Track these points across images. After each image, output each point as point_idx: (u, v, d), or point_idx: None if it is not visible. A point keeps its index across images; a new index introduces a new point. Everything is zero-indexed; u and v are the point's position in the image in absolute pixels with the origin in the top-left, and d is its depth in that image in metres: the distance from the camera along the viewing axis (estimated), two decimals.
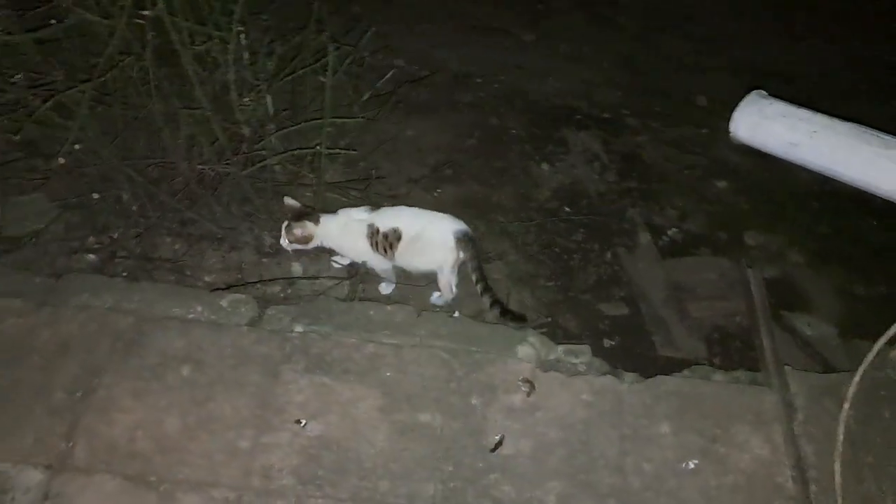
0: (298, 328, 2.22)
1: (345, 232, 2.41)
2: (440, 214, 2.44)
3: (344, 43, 2.74)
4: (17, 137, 1.96)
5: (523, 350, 2.25)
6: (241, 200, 2.57)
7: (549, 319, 2.57)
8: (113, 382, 2.01)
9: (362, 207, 2.46)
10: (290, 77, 2.54)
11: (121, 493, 1.80)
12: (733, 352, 2.55)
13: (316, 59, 2.56)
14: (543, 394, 2.11)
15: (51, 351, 2.05)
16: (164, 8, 1.94)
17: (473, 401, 2.10)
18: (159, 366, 2.06)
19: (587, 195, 3.21)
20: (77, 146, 2.03)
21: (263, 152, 2.39)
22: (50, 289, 2.20)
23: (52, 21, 2.02)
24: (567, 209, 3.12)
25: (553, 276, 2.79)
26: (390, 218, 2.39)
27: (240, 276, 2.43)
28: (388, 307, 2.35)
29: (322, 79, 2.40)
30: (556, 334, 2.50)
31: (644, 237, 3.03)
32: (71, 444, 1.87)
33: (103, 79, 2.05)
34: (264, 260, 2.52)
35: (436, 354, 2.20)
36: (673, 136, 3.67)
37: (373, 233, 2.37)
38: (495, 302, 2.35)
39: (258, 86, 2.30)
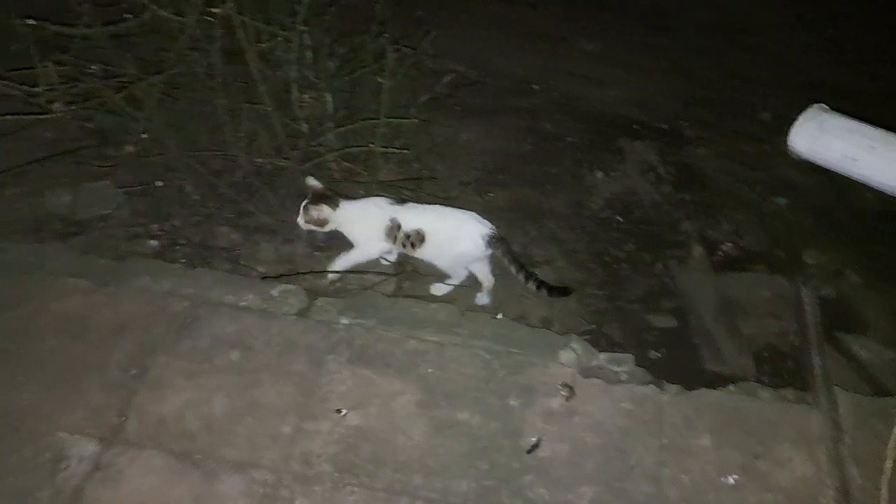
0: (344, 320, 2.27)
1: (364, 220, 2.44)
2: (465, 214, 2.45)
3: (404, 45, 2.79)
4: (91, 125, 2.07)
5: (565, 355, 2.24)
6: (297, 195, 2.64)
7: (594, 326, 2.55)
8: (166, 362, 2.09)
9: (385, 198, 2.49)
10: (349, 77, 2.60)
11: (167, 469, 1.87)
12: (783, 371, 2.48)
13: (375, 61, 2.62)
14: (583, 399, 2.10)
15: (110, 329, 2.15)
16: (233, 6, 2.02)
17: (512, 402, 2.10)
18: (210, 349, 2.14)
19: (641, 205, 3.18)
20: (145, 135, 2.12)
21: (320, 149, 2.45)
22: (113, 271, 2.30)
23: (128, 16, 2.13)
24: (619, 218, 3.10)
25: (601, 285, 2.78)
26: (415, 217, 2.41)
27: (291, 267, 2.49)
28: (432, 305, 2.39)
29: (380, 80, 2.46)
30: (600, 342, 2.48)
31: (697, 250, 2.98)
32: (123, 418, 1.96)
33: (172, 72, 2.14)
34: (316, 253, 2.58)
35: (477, 354, 2.22)
36: (733, 150, 3.60)
37: (394, 227, 2.39)
38: (541, 284, 2.40)
39: (318, 84, 2.37)
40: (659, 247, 2.97)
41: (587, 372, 2.21)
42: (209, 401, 2.02)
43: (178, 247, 2.41)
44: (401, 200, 2.49)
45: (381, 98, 2.39)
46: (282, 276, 2.40)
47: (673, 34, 4.62)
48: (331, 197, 2.41)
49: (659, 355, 2.53)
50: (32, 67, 1.93)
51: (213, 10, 2.00)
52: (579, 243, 2.94)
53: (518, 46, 4.24)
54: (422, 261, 2.49)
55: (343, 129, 2.52)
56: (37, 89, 1.90)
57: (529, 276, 2.41)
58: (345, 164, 2.66)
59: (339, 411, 2.03)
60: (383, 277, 2.50)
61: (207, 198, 2.54)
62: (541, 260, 2.80)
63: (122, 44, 2.22)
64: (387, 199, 2.48)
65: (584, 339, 2.37)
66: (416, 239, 2.40)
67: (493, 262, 2.49)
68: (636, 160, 3.45)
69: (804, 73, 4.25)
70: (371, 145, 2.41)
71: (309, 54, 2.40)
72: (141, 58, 2.30)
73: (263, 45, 2.23)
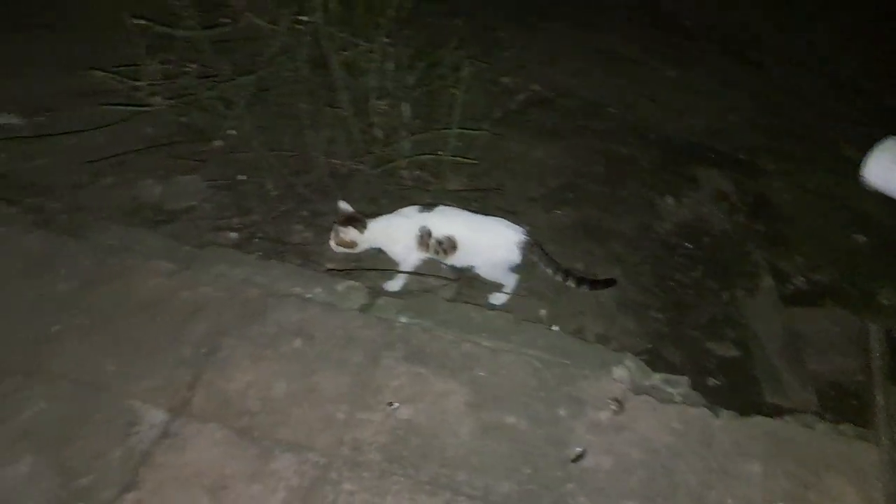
0: (403, 319, 2.35)
1: (394, 233, 2.50)
2: (497, 221, 2.49)
3: (481, 61, 2.88)
4: (184, 119, 2.24)
5: (618, 371, 2.25)
6: (368, 200, 2.76)
7: (651, 346, 2.54)
8: (234, 344, 2.22)
9: (413, 207, 2.52)
10: (426, 88, 2.71)
11: (227, 443, 1.98)
12: (846, 409, 2.40)
13: (452, 74, 2.71)
14: (632, 415, 2.10)
15: (186, 310, 2.31)
16: (322, 17, 2.16)
17: (560, 411, 2.13)
18: (276, 336, 2.26)
19: (711, 233, 3.15)
20: (232, 132, 2.28)
21: (393, 154, 2.56)
22: (194, 257, 2.47)
23: (226, 21, 2.30)
24: (688, 245, 3.08)
25: (662, 309, 2.76)
26: (445, 224, 2.46)
27: (357, 266, 2.60)
28: (490, 312, 2.44)
29: (455, 91, 2.55)
30: (657, 364, 2.47)
31: (767, 282, 2.92)
32: (192, 393, 2.09)
33: (261, 75, 2.30)
34: (381, 255, 2.67)
35: (529, 362, 2.26)
36: (812, 183, 3.52)
37: (424, 235, 2.45)
38: (581, 280, 2.46)
39: (396, 94, 2.48)
40: (727, 275, 2.93)
41: (639, 390, 2.21)
42: (270, 383, 2.13)
43: (255, 240, 2.55)
44: (429, 207, 2.52)
45: (455, 110, 2.47)
46: (347, 270, 2.50)
47: (756, 65, 4.56)
48: (359, 220, 2.48)
49: (717, 383, 2.49)
50: (138, 64, 2.11)
51: (303, 18, 2.14)
52: (644, 266, 2.93)
53: (596, 70, 4.27)
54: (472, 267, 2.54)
55: (416, 137, 2.62)
56: (140, 83, 2.08)
57: (568, 274, 2.48)
58: (415, 171, 2.75)
59: (391, 404, 2.10)
60: (444, 282, 2.57)
61: (285, 196, 2.69)
62: (602, 278, 2.80)
63: (219, 47, 2.40)
64: (415, 208, 2.52)
65: (641, 359, 2.37)
66: (448, 246, 2.45)
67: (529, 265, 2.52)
68: (710, 188, 3.42)
69: (893, 110, 4.11)
70: (440, 153, 2.50)
71: (389, 65, 2.51)
72: (235, 61, 2.47)
73: (347, 54, 2.36)
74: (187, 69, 2.20)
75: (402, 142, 2.53)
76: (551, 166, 3.38)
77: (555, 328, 2.48)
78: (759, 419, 2.12)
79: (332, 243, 2.49)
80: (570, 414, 2.12)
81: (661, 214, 3.23)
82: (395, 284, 2.54)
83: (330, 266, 2.59)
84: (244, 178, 2.59)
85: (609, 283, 2.54)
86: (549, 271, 2.49)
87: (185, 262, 2.45)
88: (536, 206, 3.11)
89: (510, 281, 2.57)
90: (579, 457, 2.01)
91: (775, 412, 2.30)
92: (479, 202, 2.92)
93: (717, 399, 2.30)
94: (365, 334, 2.29)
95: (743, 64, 4.54)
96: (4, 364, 2.11)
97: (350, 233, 2.46)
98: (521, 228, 2.47)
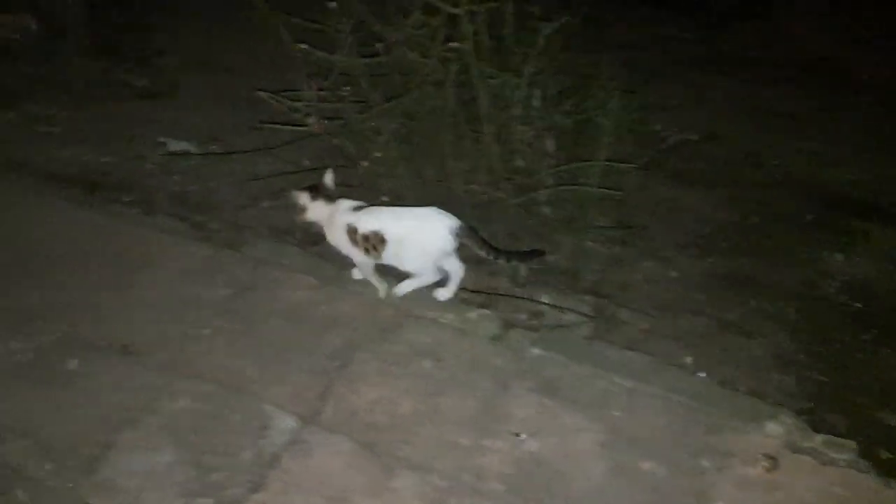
0: (535, 351, 2.28)
1: (329, 222, 2.45)
2: (426, 210, 2.37)
3: (632, 102, 2.81)
4: (336, 143, 2.36)
5: (772, 427, 2.04)
6: (507, 234, 2.74)
7: (811, 406, 2.28)
8: (366, 359, 2.24)
9: (352, 203, 2.46)
10: (572, 122, 2.68)
11: (352, 455, 1.98)
12: None
13: (601, 111, 2.67)
14: (787, 474, 1.88)
15: (324, 322, 2.37)
16: (471, 46, 2.22)
17: (704, 462, 1.94)
18: (406, 355, 2.26)
19: (888, 296, 2.82)
20: (378, 154, 2.36)
21: (534, 185, 2.54)
22: (337, 275, 2.55)
23: (380, 51, 2.42)
24: (858, 304, 2.78)
25: (826, 370, 2.48)
26: (371, 220, 2.38)
27: (491, 296, 2.56)
28: (629, 353, 2.31)
29: (602, 127, 2.51)
30: (817, 425, 2.20)
31: None
32: (322, 403, 2.12)
33: (408, 100, 2.39)
34: (517, 289, 2.63)
35: (671, 408, 2.10)
36: None
37: (351, 231, 2.38)
38: (511, 255, 2.41)
39: (541, 124, 2.47)
40: None
41: (797, 449, 1.97)
42: (398, 400, 2.12)
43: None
44: (360, 206, 2.45)
45: (601, 146, 2.42)
46: (479, 292, 2.47)
47: None
48: (318, 190, 2.44)
49: (891, 456, 2.17)
50: (298, 90, 2.27)
51: (452, 45, 2.20)
52: (805, 323, 2.67)
53: (750, 120, 4.10)
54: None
55: (559, 169, 2.59)
56: (298, 104, 2.22)
57: (500, 253, 2.39)
58: (556, 204, 2.71)
59: (517, 435, 2.02)
60: (582, 319, 2.47)
61: None
62: (757, 333, 2.58)
63: (372, 75, 2.53)
64: (351, 203, 2.46)
65: (800, 418, 2.13)
66: (377, 241, 2.35)
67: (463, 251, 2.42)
68: (887, 247, 3.09)
69: None
70: (584, 185, 2.44)
71: (536, 96, 2.52)
72: (385, 89, 2.59)
73: (494, 83, 2.39)
74: (342, 94, 2.33)
75: (545, 173, 2.50)
76: (702, 214, 3.21)
77: (702, 374, 2.29)
78: None
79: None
80: (715, 466, 1.93)
81: (828, 271, 2.96)
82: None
83: (463, 296, 2.57)
84: (386, 198, 2.66)
85: (536, 253, 2.45)
86: (484, 254, 2.38)
87: (328, 280, 2.54)
88: (685, 253, 2.95)
89: (455, 273, 2.45)
90: None
91: None
92: (624, 244, 2.81)
93: (889, 472, 2.00)
94: (494, 362, 2.24)
95: None
96: (160, 359, 2.25)
97: (302, 198, 2.44)
98: (450, 215, 2.35)
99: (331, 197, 2.47)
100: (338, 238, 2.46)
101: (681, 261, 2.91)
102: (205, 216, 2.93)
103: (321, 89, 2.31)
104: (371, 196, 2.74)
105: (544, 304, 2.51)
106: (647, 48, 4.64)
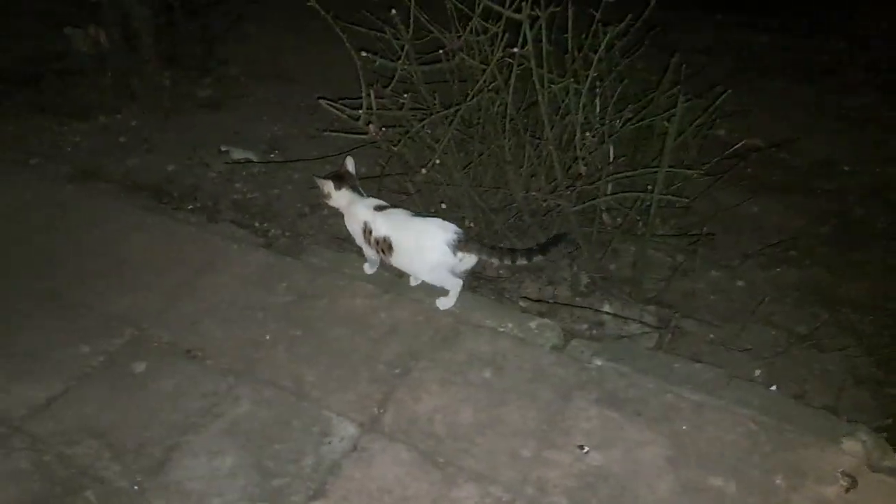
0: (598, 362, 2.22)
1: (349, 213, 2.51)
2: (429, 221, 2.37)
3: (695, 108, 2.73)
4: (395, 149, 2.36)
5: (850, 444, 1.94)
6: (567, 241, 2.69)
7: (890, 422, 2.16)
8: (425, 367, 2.23)
9: (373, 200, 2.51)
10: (634, 129, 2.62)
11: (412, 464, 1.96)
12: None
13: (664, 118, 2.60)
14: (866, 494, 1.78)
15: (384, 330, 2.37)
16: (531, 52, 2.19)
17: (777, 480, 1.86)
18: (466, 363, 2.24)
19: None
20: (437, 162, 2.35)
21: (594, 192, 2.49)
22: (394, 283, 2.55)
23: (441, 58, 2.42)
24: None
25: None
26: (383, 225, 2.41)
27: (551, 305, 2.52)
28: (696, 365, 2.24)
29: (665, 133, 2.44)
30: None
31: None
32: (382, 410, 2.11)
33: (467, 107, 2.37)
34: (577, 298, 2.58)
35: (741, 422, 2.02)
36: None
37: (366, 230, 2.45)
38: (529, 252, 2.33)
39: (602, 130, 2.42)
40: None
41: (877, 468, 1.87)
42: (458, 409, 2.09)
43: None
44: (380, 206, 2.48)
45: (664, 153, 2.35)
46: (541, 301, 2.44)
47: None
48: (342, 178, 2.50)
49: None
50: (359, 97, 2.28)
51: (513, 51, 2.18)
52: (884, 338, 2.54)
53: (823, 127, 3.93)
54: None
55: (620, 175, 2.53)
56: (358, 111, 2.23)
57: (513, 253, 2.35)
58: (617, 211, 2.65)
59: (581, 447, 1.97)
60: (645, 329, 2.40)
61: (483, 230, 2.71)
62: (830, 346, 2.47)
63: (432, 82, 2.52)
64: (374, 202, 2.50)
65: (880, 436, 2.02)
66: (385, 246, 2.40)
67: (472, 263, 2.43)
68: None
69: None
70: (647, 192, 2.38)
71: (598, 102, 2.47)
72: (445, 96, 2.58)
73: (555, 88, 2.36)
74: (401, 102, 2.33)
75: (606, 180, 2.45)
76: (771, 223, 3.10)
77: (773, 388, 2.20)
78: None
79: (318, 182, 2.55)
80: (790, 485, 1.84)
81: None
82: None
83: (523, 305, 2.54)
84: (444, 206, 2.65)
85: (557, 239, 2.39)
86: (495, 261, 2.40)
87: (386, 287, 2.54)
88: (753, 263, 2.85)
89: (454, 285, 2.41)
90: None
91: None
92: (688, 253, 2.73)
93: None
94: (556, 372, 2.20)
95: None
96: (223, 364, 2.29)
97: (327, 185, 2.50)
98: (453, 226, 2.32)
99: (354, 187, 2.52)
100: (354, 230, 2.53)
101: (747, 270, 2.81)
102: (266, 223, 2.98)
103: (381, 97, 2.32)
104: (428, 203, 2.74)
105: (606, 313, 2.46)
106: (718, 53, 4.52)
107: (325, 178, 2.53)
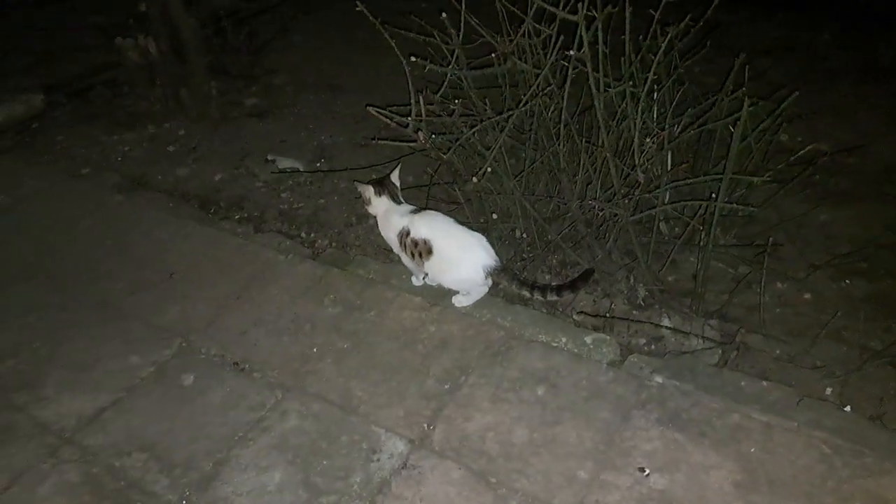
0: (658, 379, 2.12)
1: (385, 219, 2.50)
2: (472, 237, 2.35)
3: (758, 113, 2.60)
4: (444, 157, 2.30)
5: None
6: (624, 252, 2.59)
7: None
8: (476, 383, 2.15)
9: (408, 206, 2.50)
10: (695, 135, 2.51)
11: (463, 484, 1.89)
12: None
13: (725, 123, 2.48)
14: None
15: (433, 344, 2.30)
16: (587, 55, 2.10)
17: None
18: (518, 380, 2.15)
19: None
20: (489, 170, 2.28)
21: (653, 200, 2.38)
22: (443, 294, 2.47)
23: (491, 63, 2.35)
24: None
25: None
26: (423, 226, 2.37)
27: (607, 319, 2.42)
28: (764, 383, 2.11)
29: (727, 138, 2.32)
30: None
31: None
32: (432, 427, 2.04)
33: (520, 115, 2.30)
34: (634, 312, 2.47)
35: (814, 445, 1.89)
36: None
37: (403, 234, 2.41)
38: (560, 287, 2.31)
39: (661, 136, 2.32)
40: None
41: None
42: (510, 428, 2.01)
43: (500, 285, 2.50)
44: (418, 209, 2.47)
45: (725, 160, 2.24)
46: (596, 316, 2.34)
47: None
48: (384, 186, 2.49)
49: None
50: (408, 104, 2.22)
51: (569, 53, 2.10)
52: None
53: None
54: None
55: (680, 183, 2.42)
56: (406, 119, 2.17)
57: (544, 289, 2.32)
58: (676, 228, 2.54)
59: (642, 470, 1.87)
60: (708, 345, 2.28)
61: (534, 241, 2.62)
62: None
63: (483, 87, 2.45)
64: (409, 207, 2.49)
65: None
66: (424, 249, 2.35)
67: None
68: None
69: None
70: (707, 201, 2.27)
71: (656, 107, 2.37)
72: (496, 101, 2.51)
73: (611, 93, 2.26)
74: (451, 108, 2.26)
75: (664, 188, 2.34)
76: (840, 232, 2.94)
77: (847, 409, 2.06)
78: None
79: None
80: None
81: None
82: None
83: (577, 318, 2.45)
84: (496, 216, 2.58)
85: (587, 275, 2.36)
86: (526, 294, 2.36)
87: (434, 299, 2.47)
88: (821, 274, 2.69)
89: (477, 293, 2.44)
90: None
91: None
92: (751, 264, 2.60)
93: None
94: (614, 390, 2.10)
95: None
96: (270, 377, 2.25)
97: (368, 191, 2.50)
98: (493, 253, 2.34)
99: (393, 195, 2.51)
100: (390, 238, 2.51)
101: (815, 282, 2.66)
102: (313, 234, 2.95)
103: (430, 104, 2.26)
104: (479, 213, 2.67)
105: (666, 327, 2.35)
106: (779, 54, 4.34)
107: (367, 183, 2.51)
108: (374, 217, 2.59)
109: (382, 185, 2.50)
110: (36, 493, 1.97)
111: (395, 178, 2.53)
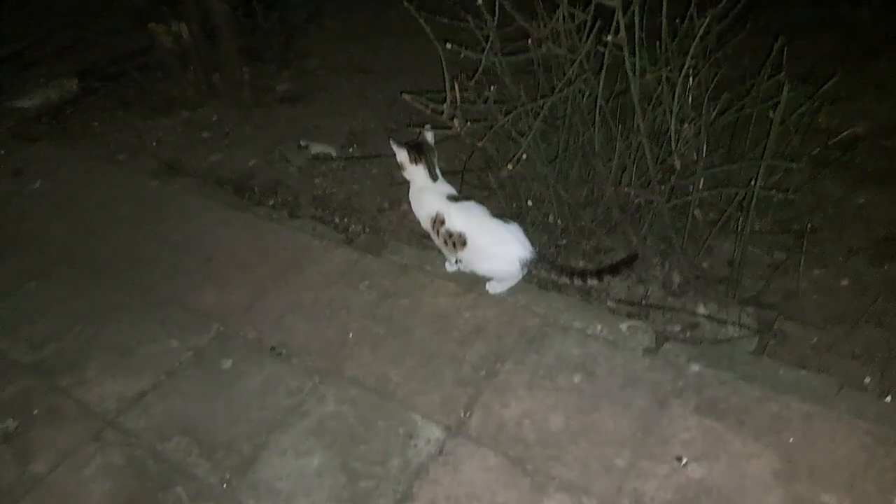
0: (695, 367, 2.11)
1: (419, 195, 2.47)
2: (509, 230, 2.34)
3: (797, 96, 2.54)
4: (479, 144, 2.29)
5: None
6: (659, 238, 2.57)
7: None
8: (512, 370, 2.16)
9: (445, 187, 2.46)
10: (733, 119, 2.47)
11: (500, 471, 1.90)
12: None
13: (763, 107, 2.44)
14: None
15: (468, 330, 2.31)
16: (624, 40, 2.06)
17: None
18: (554, 367, 2.16)
19: None
20: (524, 157, 2.27)
21: (689, 186, 2.36)
22: (478, 280, 2.47)
23: (526, 49, 2.32)
24: None
25: None
26: (459, 218, 2.36)
27: (642, 307, 2.41)
28: (803, 372, 2.09)
29: (765, 121, 2.28)
30: None
31: None
32: (468, 413, 2.06)
33: (555, 101, 2.28)
34: (669, 298, 2.45)
35: (855, 435, 1.87)
36: None
37: (436, 220, 2.39)
38: (600, 272, 2.31)
39: (697, 121, 2.29)
40: None
41: None
42: (547, 415, 2.02)
43: (532, 271, 2.50)
44: (454, 196, 2.44)
45: (763, 144, 2.20)
46: (632, 303, 2.34)
47: None
48: (421, 152, 2.42)
49: None
50: (442, 91, 2.21)
51: (606, 39, 2.07)
52: None
53: None
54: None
55: (716, 169, 2.39)
56: (440, 105, 2.16)
57: (584, 275, 2.33)
58: (711, 213, 2.51)
59: (679, 458, 1.86)
60: (745, 332, 2.26)
61: (568, 227, 2.61)
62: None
63: (517, 73, 2.43)
64: (446, 190, 2.45)
65: None
66: (459, 241, 2.35)
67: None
68: None
69: None
70: (744, 186, 2.23)
71: (693, 91, 2.33)
72: (530, 87, 2.49)
73: (647, 79, 2.23)
74: (486, 95, 2.25)
75: (701, 173, 2.31)
76: (877, 216, 2.87)
77: (888, 399, 2.03)
78: None
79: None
80: None
81: None
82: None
83: (611, 305, 2.44)
84: (531, 203, 2.57)
85: (630, 260, 2.36)
86: (566, 280, 2.35)
87: (469, 286, 2.48)
88: (859, 259, 2.64)
89: (511, 280, 2.44)
90: None
91: None
92: (788, 249, 2.56)
93: None
94: (651, 377, 2.09)
95: None
96: (308, 362, 2.28)
97: (402, 153, 2.43)
98: (529, 245, 2.34)
99: (431, 165, 2.45)
100: (421, 217, 2.49)
101: (854, 267, 2.61)
102: (346, 219, 2.97)
103: (465, 89, 2.24)
104: (511, 199, 2.66)
105: (702, 315, 2.33)
106: (816, 33, 4.23)
107: (403, 146, 2.45)
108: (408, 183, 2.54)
109: (420, 152, 2.43)
110: (81, 475, 2.03)
111: (430, 139, 2.47)
